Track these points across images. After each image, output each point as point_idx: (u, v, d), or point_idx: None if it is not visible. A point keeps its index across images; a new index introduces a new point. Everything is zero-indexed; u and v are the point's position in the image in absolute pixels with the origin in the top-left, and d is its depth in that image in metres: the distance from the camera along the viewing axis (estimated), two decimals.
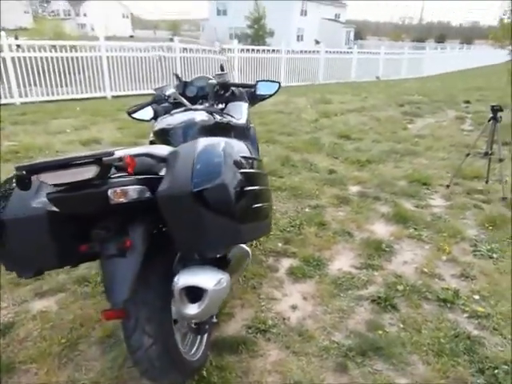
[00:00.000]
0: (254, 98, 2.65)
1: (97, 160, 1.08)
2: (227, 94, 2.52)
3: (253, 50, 13.17)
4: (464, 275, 2.39)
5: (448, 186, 3.76)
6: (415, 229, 2.93)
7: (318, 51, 15.00)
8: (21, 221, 1.25)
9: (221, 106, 2.55)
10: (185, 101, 2.38)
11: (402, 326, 1.95)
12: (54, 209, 1.20)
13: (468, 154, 3.79)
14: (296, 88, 12.21)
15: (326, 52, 14.93)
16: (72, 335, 1.87)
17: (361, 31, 47.26)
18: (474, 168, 4.18)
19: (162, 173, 1.35)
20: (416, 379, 1.65)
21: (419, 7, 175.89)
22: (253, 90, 2.60)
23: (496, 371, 1.68)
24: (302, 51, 14.78)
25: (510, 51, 12.16)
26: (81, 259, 1.42)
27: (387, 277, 2.35)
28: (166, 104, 2.52)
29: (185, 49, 11.14)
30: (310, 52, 15.10)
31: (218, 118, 2.19)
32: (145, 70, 10.07)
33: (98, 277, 2.28)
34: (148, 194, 1.23)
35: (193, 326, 1.55)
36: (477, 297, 2.18)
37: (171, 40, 11.74)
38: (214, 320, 1.64)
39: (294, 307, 2.10)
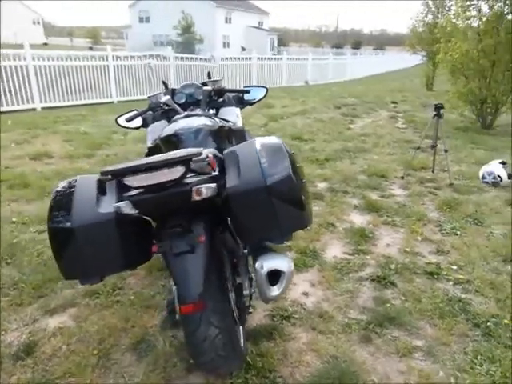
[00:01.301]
0: (241, 103, 2.77)
1: (186, 160, 1.15)
2: (220, 100, 2.63)
3: (187, 57, 13.19)
4: (439, 251, 2.74)
5: (403, 177, 4.20)
6: (388, 216, 3.27)
7: (250, 58, 15.41)
8: (90, 227, 1.27)
9: (212, 111, 2.64)
10: (178, 108, 2.45)
11: (403, 298, 2.22)
12: (129, 211, 1.24)
13: (418, 148, 4.25)
14: None
15: (258, 59, 15.41)
16: (102, 346, 1.86)
17: (283, 38, 49.09)
18: (420, 160, 4.69)
19: (215, 172, 1.44)
20: (429, 339, 1.91)
21: (335, 16, 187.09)
22: (241, 95, 2.73)
23: (488, 324, 1.99)
24: (235, 58, 15.09)
25: (423, 56, 13.56)
26: (140, 261, 1.46)
27: (378, 258, 2.62)
28: (151, 112, 2.57)
29: (122, 57, 10.85)
30: (242, 59, 15.44)
31: (220, 123, 2.29)
32: (77, 80, 9.59)
33: (107, 287, 2.27)
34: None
35: (235, 316, 1.65)
36: (455, 267, 2.52)
37: (91, 48, 11.35)
38: (250, 310, 1.75)
39: (305, 294, 2.27)
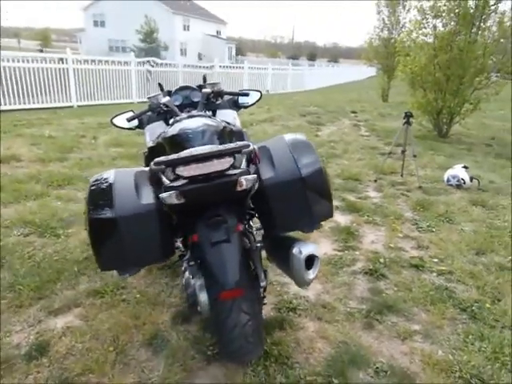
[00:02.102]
0: (236, 106, 2.86)
1: (235, 152, 1.23)
2: (217, 103, 2.70)
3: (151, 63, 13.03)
4: (420, 246, 2.96)
5: (376, 181, 4.46)
6: (368, 216, 3.47)
7: (212, 66, 15.51)
8: (132, 218, 1.31)
9: (209, 113, 2.71)
10: (176, 109, 2.50)
11: (395, 288, 2.39)
12: (174, 202, 1.29)
13: (390, 153, 4.54)
14: None
15: (220, 67, 15.56)
16: (117, 343, 1.86)
17: (240, 48, 49.65)
18: (389, 165, 4.99)
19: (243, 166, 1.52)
20: (424, 324, 2.08)
21: (290, 28, 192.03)
22: (236, 98, 2.82)
23: (473, 308, 2.21)
24: (197, 66, 15.14)
25: (379, 69, 14.33)
26: (171, 253, 1.50)
27: (367, 254, 2.79)
28: (150, 113, 2.61)
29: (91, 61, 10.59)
30: (205, 67, 15.50)
31: (223, 124, 2.37)
32: (34, 83, 9.17)
33: (110, 287, 2.26)
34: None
35: None
36: (436, 260, 2.75)
37: (41, 51, 10.89)
38: (265, 301, 1.84)
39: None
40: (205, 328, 1.96)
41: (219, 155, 1.24)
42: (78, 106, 10.10)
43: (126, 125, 2.66)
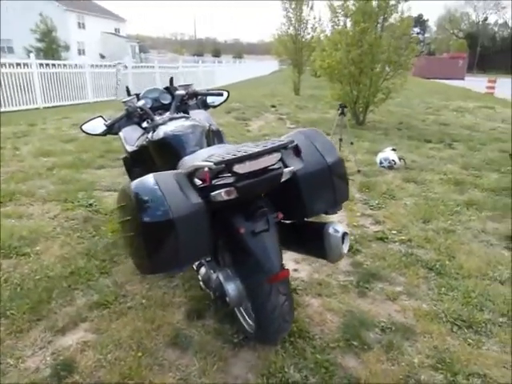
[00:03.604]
0: (205, 106, 2.95)
1: (283, 147, 1.36)
2: (191, 103, 2.76)
3: (53, 65, 12.10)
4: (377, 222, 3.35)
5: None
6: None
7: (126, 66, 14.87)
8: (187, 217, 1.38)
9: (181, 114, 2.76)
10: (150, 112, 2.53)
11: (372, 259, 2.72)
12: (224, 198, 1.38)
13: (341, 139, 4.86)
14: (106, 103, 11.93)
15: (133, 67, 15.02)
16: (142, 347, 1.87)
17: (144, 45, 47.85)
18: None
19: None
20: (404, 285, 2.42)
21: (190, 24, 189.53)
22: (204, 98, 2.90)
23: (436, 266, 2.61)
24: (103, 65, 14.38)
25: (289, 64, 15.04)
26: (211, 249, 1.58)
27: None
28: (118, 117, 2.60)
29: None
30: (112, 66, 14.80)
31: (207, 124, 2.45)
32: None
33: (110, 297, 2.22)
34: None
35: None
36: (394, 232, 3.15)
37: None
38: None
39: (296, 270, 2.58)
40: (222, 320, 2.05)
41: (270, 151, 1.36)
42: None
43: (96, 131, 2.61)
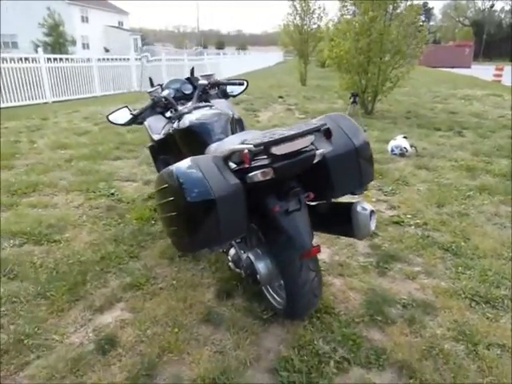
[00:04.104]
0: (224, 96, 3.02)
1: (316, 130, 1.45)
2: (212, 93, 2.84)
3: (61, 59, 12.16)
4: (392, 207, 3.44)
5: None
6: None
7: (128, 59, 14.92)
8: (227, 197, 1.47)
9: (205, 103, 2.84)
10: (174, 102, 2.62)
11: (389, 242, 2.81)
12: (260, 179, 1.48)
13: None
14: (113, 96, 12.02)
15: (136, 59, 15.06)
16: (177, 323, 1.98)
17: (146, 39, 47.81)
18: None
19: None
20: (422, 265, 2.51)
21: (193, 16, 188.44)
22: (224, 87, 2.98)
23: (452, 247, 2.70)
24: (112, 59, 14.44)
25: (295, 55, 15.02)
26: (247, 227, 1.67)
27: None
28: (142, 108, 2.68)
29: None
30: (120, 60, 14.85)
31: (231, 112, 2.53)
32: None
33: (142, 279, 2.33)
34: None
35: None
36: (410, 216, 3.23)
37: None
38: None
39: None
40: (250, 299, 2.16)
41: (305, 134, 1.45)
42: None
43: (122, 121, 2.69)
